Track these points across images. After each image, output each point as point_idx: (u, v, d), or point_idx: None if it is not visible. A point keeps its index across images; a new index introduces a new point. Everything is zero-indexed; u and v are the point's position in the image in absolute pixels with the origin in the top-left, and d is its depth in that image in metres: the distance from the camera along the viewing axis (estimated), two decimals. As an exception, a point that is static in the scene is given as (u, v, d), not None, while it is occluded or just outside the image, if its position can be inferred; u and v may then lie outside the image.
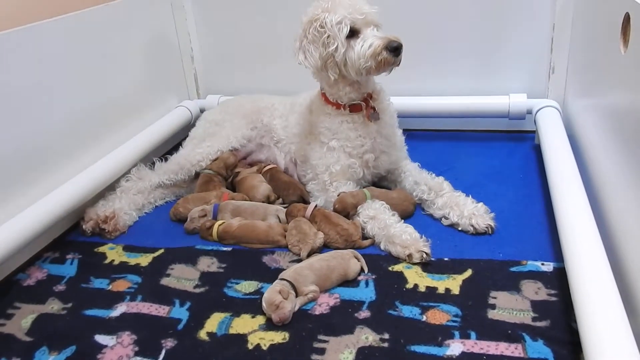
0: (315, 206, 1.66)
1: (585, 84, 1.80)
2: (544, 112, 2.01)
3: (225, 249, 1.61)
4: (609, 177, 1.41)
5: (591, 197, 1.40)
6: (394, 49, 1.57)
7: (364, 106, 1.73)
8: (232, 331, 1.28)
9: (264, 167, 1.96)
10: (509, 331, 1.19)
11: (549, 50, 2.08)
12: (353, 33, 1.61)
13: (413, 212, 1.71)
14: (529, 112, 2.10)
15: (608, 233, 1.31)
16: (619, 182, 1.29)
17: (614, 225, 1.31)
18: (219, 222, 1.67)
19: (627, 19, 1.26)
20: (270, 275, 1.44)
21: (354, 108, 1.73)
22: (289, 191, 1.82)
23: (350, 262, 1.43)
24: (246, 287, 1.44)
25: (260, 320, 1.30)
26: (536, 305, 1.26)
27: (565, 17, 2.00)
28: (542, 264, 1.40)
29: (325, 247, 1.56)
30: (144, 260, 1.60)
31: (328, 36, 1.60)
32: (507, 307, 1.27)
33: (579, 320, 1.03)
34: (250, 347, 1.22)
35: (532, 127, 2.08)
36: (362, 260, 1.46)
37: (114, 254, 1.65)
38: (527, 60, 2.16)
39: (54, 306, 1.43)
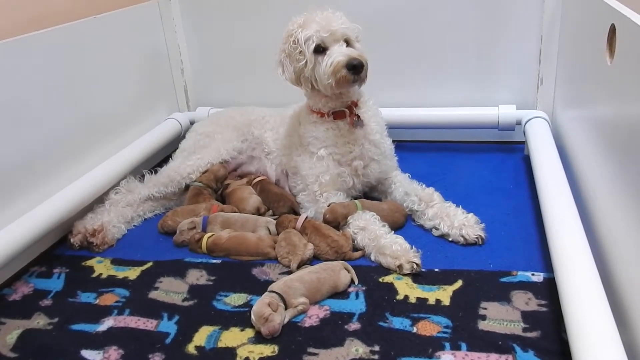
0: (306, 217, 1.65)
1: (573, 95, 1.82)
2: (533, 123, 2.02)
3: (214, 261, 1.60)
4: (597, 187, 1.41)
5: (580, 208, 1.40)
6: (353, 67, 1.58)
7: (348, 113, 1.73)
8: (220, 345, 1.26)
9: (254, 178, 1.95)
10: (500, 342, 1.19)
11: (537, 61, 2.10)
12: (323, 49, 1.63)
13: (404, 224, 1.71)
14: (518, 123, 2.11)
15: (597, 243, 1.32)
16: (608, 192, 1.30)
17: (603, 236, 1.31)
18: (208, 234, 1.66)
19: (612, 30, 1.27)
20: (260, 287, 1.43)
21: (337, 115, 1.74)
22: (279, 203, 1.81)
23: (341, 273, 1.43)
24: (235, 299, 1.42)
25: (249, 333, 1.29)
26: (526, 316, 1.25)
27: (553, 28, 2.02)
28: (533, 275, 1.40)
29: (316, 258, 1.55)
30: (132, 273, 1.58)
31: (300, 52, 1.64)
32: (498, 317, 1.26)
33: (569, 331, 1.03)
34: (239, 360, 1.21)
35: (522, 138, 2.09)
36: (353, 271, 1.45)
37: (101, 267, 1.63)
38: (516, 71, 2.17)
39: (40, 321, 1.41)
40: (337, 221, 1.62)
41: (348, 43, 1.65)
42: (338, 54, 1.60)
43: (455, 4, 2.13)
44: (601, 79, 1.39)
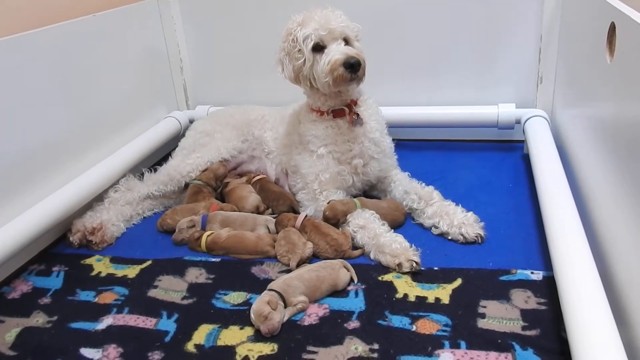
0: (306, 216, 1.65)
1: (572, 94, 1.82)
2: (533, 121, 2.02)
3: (213, 259, 1.60)
4: (597, 186, 1.41)
5: (580, 206, 1.40)
6: (350, 66, 1.58)
7: (347, 112, 1.73)
8: (220, 343, 1.26)
9: (254, 177, 1.95)
10: (499, 340, 1.19)
11: (536, 60, 2.10)
12: (321, 48, 1.63)
13: (403, 222, 1.71)
14: (518, 121, 2.11)
15: (596, 241, 1.32)
16: (607, 190, 1.30)
17: (603, 234, 1.31)
18: (208, 232, 1.66)
19: (612, 29, 1.27)
20: (259, 286, 1.43)
21: (337, 113, 1.74)
22: (278, 201, 1.81)
23: (340, 272, 1.43)
24: (235, 298, 1.42)
25: (248, 331, 1.29)
26: (526, 314, 1.25)
27: (553, 27, 2.02)
28: (532, 273, 1.40)
29: (315, 257, 1.55)
30: (132, 272, 1.58)
31: (299, 50, 1.64)
32: (497, 316, 1.26)
33: (568, 329, 1.03)
34: (238, 359, 1.21)
35: (521, 136, 2.09)
36: (352, 270, 1.45)
37: (101, 265, 1.63)
38: (515, 70, 2.17)
39: (39, 319, 1.41)
40: (336, 218, 1.62)
41: (347, 42, 1.65)
42: (336, 52, 1.60)
43: (455, 3, 2.13)
44: (601, 77, 1.38)
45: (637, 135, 1.08)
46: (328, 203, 1.66)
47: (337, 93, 1.71)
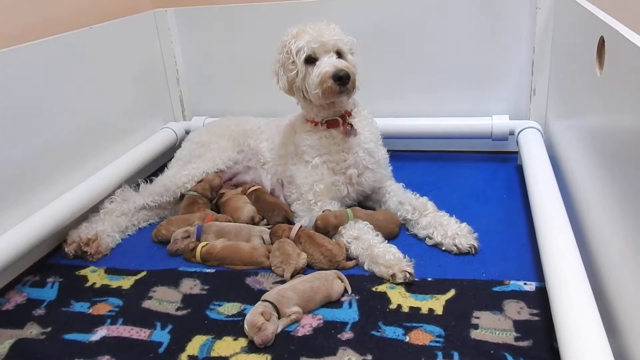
0: (300, 227, 1.66)
1: (565, 106, 1.84)
2: (526, 133, 2.03)
3: (208, 270, 1.60)
4: (589, 197, 1.42)
5: (572, 217, 1.41)
6: (339, 79, 1.59)
7: (341, 122, 1.75)
8: (213, 354, 1.26)
9: (249, 188, 1.96)
10: (492, 351, 1.19)
11: (530, 72, 2.12)
12: (313, 60, 1.65)
13: (398, 234, 1.72)
14: (512, 133, 2.12)
15: (588, 252, 1.33)
16: (599, 202, 1.31)
17: (594, 245, 1.32)
18: (203, 243, 1.66)
19: (602, 42, 1.29)
20: (254, 296, 1.43)
21: (331, 124, 1.76)
22: (273, 212, 1.82)
23: (334, 283, 1.43)
24: (229, 309, 1.42)
25: (242, 342, 1.29)
26: (519, 325, 1.26)
27: (545, 40, 2.04)
28: (525, 284, 1.40)
29: (310, 267, 1.56)
30: (126, 282, 1.58)
31: (292, 62, 1.66)
32: (490, 327, 1.27)
33: (559, 340, 1.03)
34: (232, 370, 1.21)
35: (515, 148, 2.11)
36: (346, 280, 1.46)
37: (95, 276, 1.63)
38: (509, 82, 2.19)
39: (32, 331, 1.40)
40: (327, 229, 1.63)
41: (340, 55, 1.67)
42: (326, 64, 1.62)
43: (449, 16, 2.15)
44: (591, 89, 1.40)
45: (626, 146, 1.10)
46: (322, 212, 1.66)
47: (330, 104, 1.72)
